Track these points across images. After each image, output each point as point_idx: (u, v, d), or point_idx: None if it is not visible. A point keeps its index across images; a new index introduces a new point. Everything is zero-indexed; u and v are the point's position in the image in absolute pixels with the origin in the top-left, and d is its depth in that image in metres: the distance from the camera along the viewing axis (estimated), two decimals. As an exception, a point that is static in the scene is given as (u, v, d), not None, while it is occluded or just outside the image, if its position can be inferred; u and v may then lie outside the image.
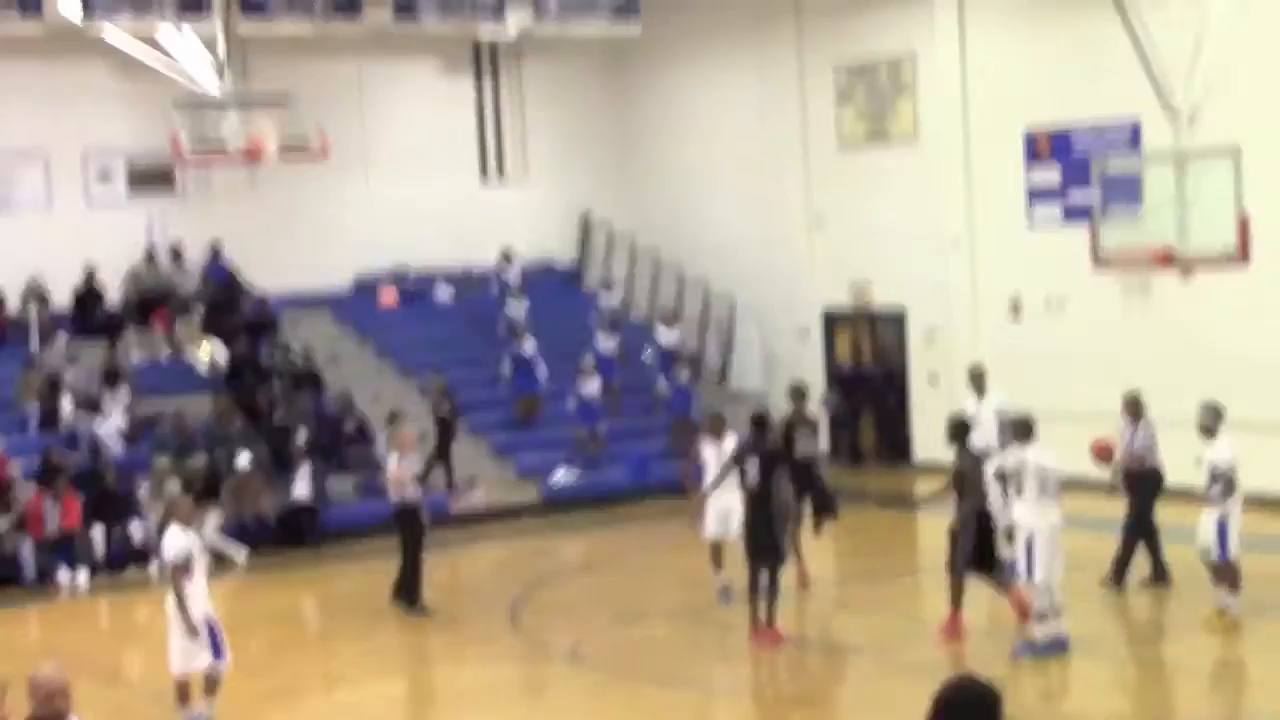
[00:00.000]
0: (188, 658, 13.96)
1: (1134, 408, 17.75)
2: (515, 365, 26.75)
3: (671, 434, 26.62)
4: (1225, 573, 15.91)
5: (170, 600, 14.04)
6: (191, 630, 13.79)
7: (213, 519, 22.32)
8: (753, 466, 16.23)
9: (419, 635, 18.37)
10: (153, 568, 21.70)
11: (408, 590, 18.60)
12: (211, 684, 14.03)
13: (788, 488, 16.58)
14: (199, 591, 14.01)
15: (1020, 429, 15.40)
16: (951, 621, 15.94)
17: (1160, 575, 17.72)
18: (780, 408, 26.95)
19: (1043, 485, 14.96)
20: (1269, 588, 17.08)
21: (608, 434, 26.46)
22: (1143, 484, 17.56)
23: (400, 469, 18.50)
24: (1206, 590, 16.17)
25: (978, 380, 19.23)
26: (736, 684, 15.93)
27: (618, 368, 27.72)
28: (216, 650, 13.92)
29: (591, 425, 25.92)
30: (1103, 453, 16.97)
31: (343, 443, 24.75)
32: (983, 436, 17.82)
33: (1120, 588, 17.65)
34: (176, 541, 14.02)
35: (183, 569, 13.86)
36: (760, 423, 16.81)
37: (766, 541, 16.16)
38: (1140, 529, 17.67)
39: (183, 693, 14.04)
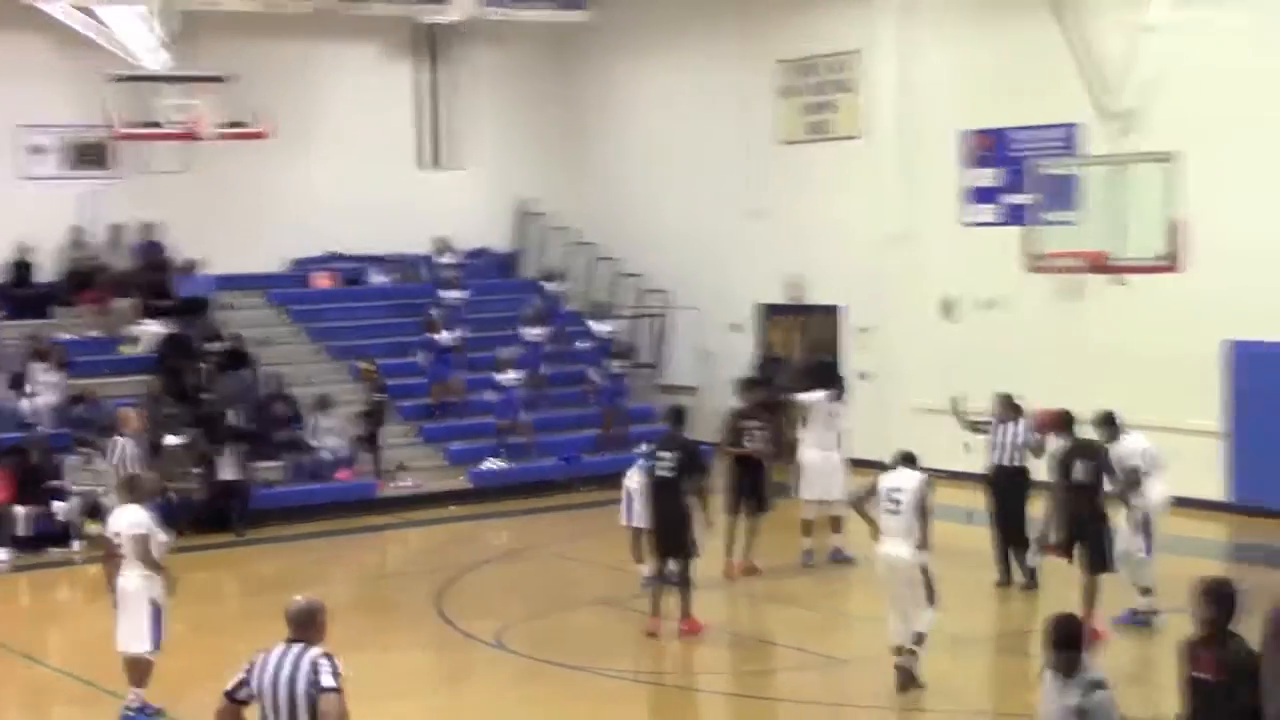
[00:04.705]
0: (138, 638, 13.84)
1: (1012, 406, 18.01)
2: (433, 354, 26.67)
3: (603, 424, 26.72)
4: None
5: (130, 577, 13.83)
6: (170, 582, 13.82)
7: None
8: (667, 459, 16.35)
9: (343, 620, 18.13)
10: (75, 546, 21.57)
11: None
12: (140, 673, 13.91)
13: (699, 481, 16.62)
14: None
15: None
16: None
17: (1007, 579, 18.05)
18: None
19: None
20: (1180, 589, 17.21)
21: (539, 423, 26.47)
22: (1015, 482, 17.87)
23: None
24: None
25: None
26: (658, 671, 15.94)
27: (547, 358, 27.77)
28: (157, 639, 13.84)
29: (512, 416, 25.87)
30: (1046, 423, 17.10)
31: (272, 426, 24.63)
32: None
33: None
34: (137, 516, 13.91)
35: (145, 539, 13.77)
36: (675, 417, 17.04)
37: (675, 535, 16.24)
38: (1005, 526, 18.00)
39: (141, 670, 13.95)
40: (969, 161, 25.30)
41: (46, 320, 25.85)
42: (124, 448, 19.64)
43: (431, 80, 31.06)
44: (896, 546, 14.08)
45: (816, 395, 19.98)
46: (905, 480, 14.22)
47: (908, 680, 13.98)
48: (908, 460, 14.52)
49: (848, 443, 19.98)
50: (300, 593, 8.90)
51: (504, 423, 25.88)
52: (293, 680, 8.25)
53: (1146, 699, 14.95)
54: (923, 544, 14.01)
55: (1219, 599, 8.76)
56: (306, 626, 8.50)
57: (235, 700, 8.49)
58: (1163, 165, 18.38)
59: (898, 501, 14.09)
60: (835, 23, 27.20)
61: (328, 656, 8.36)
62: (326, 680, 8.23)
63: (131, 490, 14.60)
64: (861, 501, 14.65)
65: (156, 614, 13.78)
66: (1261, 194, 21.51)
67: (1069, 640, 8.85)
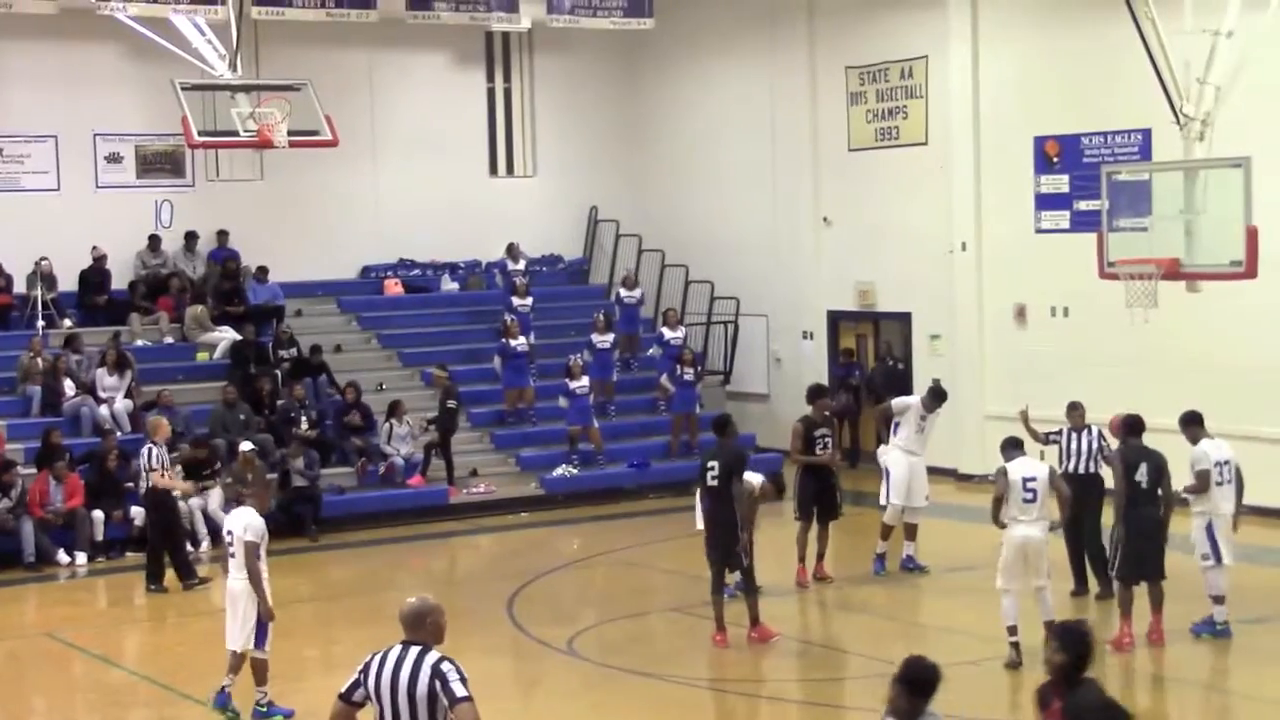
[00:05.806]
0: (250, 637, 14.10)
1: (1082, 415, 17.88)
2: (506, 360, 26.76)
3: (673, 432, 26.73)
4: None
5: (240, 579, 14.08)
6: (269, 612, 14.01)
7: (215, 497, 22.41)
8: (714, 468, 16.31)
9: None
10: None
11: (152, 570, 20.00)
12: (238, 665, 14.21)
13: (746, 489, 16.55)
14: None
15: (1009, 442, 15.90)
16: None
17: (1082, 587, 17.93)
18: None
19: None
20: (1268, 600, 17.13)
21: (609, 430, 26.52)
22: (1087, 491, 17.55)
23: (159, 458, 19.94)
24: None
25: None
26: (729, 679, 15.91)
27: (618, 365, 27.88)
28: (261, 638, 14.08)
29: (583, 423, 25.93)
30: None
31: (345, 432, 24.77)
32: None
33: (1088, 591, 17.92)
34: (255, 521, 14.09)
35: (254, 547, 13.99)
36: (721, 426, 17.00)
37: (725, 543, 16.23)
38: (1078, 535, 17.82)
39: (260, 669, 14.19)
40: (1040, 167, 25.18)
41: (122, 327, 26.10)
42: (156, 456, 19.90)
43: (502, 88, 31.21)
44: (1033, 528, 15.22)
45: (912, 400, 19.96)
46: (1035, 469, 15.40)
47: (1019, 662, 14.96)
48: (1018, 445, 15.68)
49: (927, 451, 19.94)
50: (370, 598, 8.97)
51: (575, 430, 25.94)
52: (413, 684, 8.15)
53: (1223, 708, 14.91)
54: (1053, 525, 15.51)
55: (1069, 642, 8.18)
56: (418, 627, 8.37)
57: (350, 702, 8.42)
58: (1237, 171, 18.20)
59: (1034, 491, 15.19)
60: (905, 28, 27.14)
61: (450, 662, 8.26)
62: (459, 690, 8.16)
63: (250, 495, 14.82)
64: (999, 508, 15.28)
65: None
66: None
67: (918, 684, 8.10)
